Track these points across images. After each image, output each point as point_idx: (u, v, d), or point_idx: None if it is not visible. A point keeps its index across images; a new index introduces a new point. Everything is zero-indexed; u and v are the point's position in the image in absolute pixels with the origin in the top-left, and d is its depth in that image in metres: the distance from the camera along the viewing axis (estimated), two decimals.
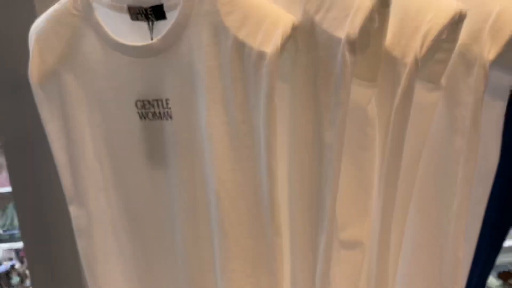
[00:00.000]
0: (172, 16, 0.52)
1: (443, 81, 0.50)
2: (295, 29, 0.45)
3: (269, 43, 0.44)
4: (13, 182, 0.92)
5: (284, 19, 0.45)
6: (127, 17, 0.55)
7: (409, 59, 0.45)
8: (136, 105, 0.56)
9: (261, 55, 0.44)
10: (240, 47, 0.46)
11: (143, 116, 0.56)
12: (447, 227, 0.53)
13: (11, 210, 2.60)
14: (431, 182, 0.53)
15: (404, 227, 0.52)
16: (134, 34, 0.55)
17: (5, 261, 2.50)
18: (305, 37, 0.45)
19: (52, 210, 0.94)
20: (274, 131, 0.46)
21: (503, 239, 0.92)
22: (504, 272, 1.66)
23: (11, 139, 0.91)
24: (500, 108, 0.56)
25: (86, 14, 0.54)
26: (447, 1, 0.46)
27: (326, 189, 0.47)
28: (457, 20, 0.46)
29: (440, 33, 0.44)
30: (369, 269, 0.53)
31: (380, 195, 0.51)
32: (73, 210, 0.62)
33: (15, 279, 2.49)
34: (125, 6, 0.54)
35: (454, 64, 0.49)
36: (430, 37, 0.44)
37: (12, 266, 2.53)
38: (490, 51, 0.48)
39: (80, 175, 0.60)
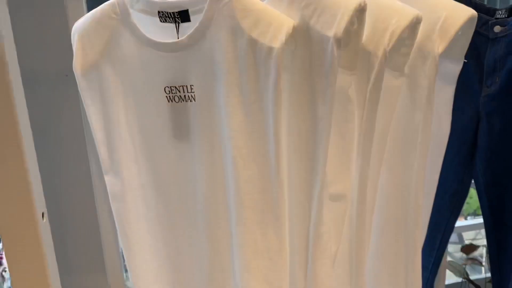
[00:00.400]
0: (196, 20, 0.64)
1: (406, 69, 0.64)
2: (295, 30, 0.58)
3: (276, 40, 0.57)
4: None
5: (287, 22, 0.58)
6: (156, 20, 0.67)
7: (380, 53, 0.59)
8: (164, 90, 0.68)
9: (270, 49, 0.58)
10: (253, 43, 0.59)
11: (170, 99, 0.68)
12: (410, 181, 0.68)
13: None
14: (397, 147, 0.68)
15: (377, 182, 0.67)
16: (162, 33, 0.67)
17: None
18: (302, 36, 0.59)
19: (65, 196, 1.03)
20: (280, 108, 0.59)
21: (461, 206, 1.09)
22: (466, 245, 1.82)
23: None
24: (450, 91, 0.71)
25: (123, 18, 0.66)
26: (408, 9, 0.60)
27: (319, 152, 0.61)
28: (415, 23, 0.60)
29: (403, 32, 0.59)
30: (351, 216, 0.68)
31: (358, 158, 0.65)
32: (108, 179, 0.73)
33: None
34: (155, 11, 0.66)
35: (414, 56, 0.64)
36: (395, 36, 0.58)
37: None
38: (439, 46, 0.63)
39: (115, 150, 0.72)
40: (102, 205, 0.95)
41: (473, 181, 1.02)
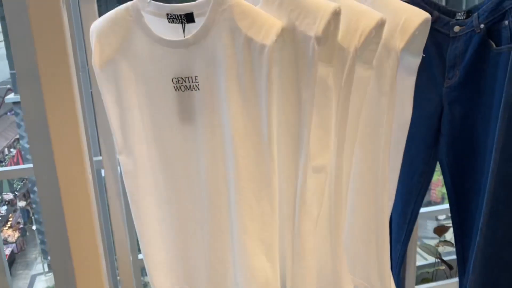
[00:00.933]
0: (199, 21, 0.75)
1: (374, 62, 0.77)
2: (283, 30, 0.70)
3: (268, 38, 0.69)
4: (34, 159, 1.11)
5: (276, 24, 0.70)
6: (165, 21, 0.78)
7: (352, 49, 0.71)
8: (172, 81, 0.79)
9: (263, 46, 0.69)
10: (249, 41, 0.70)
11: (177, 88, 0.80)
12: (378, 155, 0.80)
13: None
14: (367, 126, 0.80)
15: (352, 157, 0.80)
16: (170, 32, 0.78)
17: None
18: (289, 35, 0.71)
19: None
20: (272, 94, 0.71)
21: (427, 185, 1.21)
22: (438, 227, 1.97)
23: (32, 121, 1.10)
24: (411, 80, 0.84)
25: (136, 19, 0.77)
26: (374, 13, 0.72)
27: (303, 130, 0.73)
28: (380, 25, 0.72)
29: (370, 33, 0.71)
30: (330, 186, 0.81)
31: (335, 136, 0.77)
32: (122, 158, 0.84)
33: None
34: (164, 13, 0.77)
35: (380, 52, 0.76)
36: (364, 35, 0.70)
37: None
38: (400, 43, 0.76)
39: (128, 133, 0.82)
40: (111, 186, 1.05)
41: None
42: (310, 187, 0.77)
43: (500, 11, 0.94)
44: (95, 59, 0.79)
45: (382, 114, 0.80)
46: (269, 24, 0.70)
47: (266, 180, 0.76)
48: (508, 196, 0.91)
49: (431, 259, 2.15)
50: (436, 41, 1.03)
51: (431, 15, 1.02)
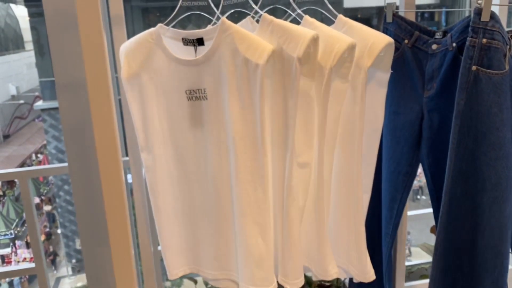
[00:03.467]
0: (208, 44, 0.92)
1: (349, 77, 0.93)
2: (273, 52, 0.86)
3: (261, 59, 0.85)
4: (70, 161, 1.24)
5: (268, 47, 0.85)
6: (180, 43, 0.96)
7: (328, 67, 0.88)
8: (185, 92, 0.96)
9: (257, 65, 0.85)
10: (246, 61, 0.87)
11: (190, 99, 0.97)
12: (353, 152, 0.96)
13: None
14: (345, 129, 0.95)
15: (333, 154, 0.96)
16: (184, 53, 0.96)
17: None
18: (278, 56, 0.87)
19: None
20: (264, 103, 0.87)
21: (411, 183, 1.34)
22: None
23: (69, 127, 1.25)
24: (383, 92, 1.00)
25: (157, 41, 0.96)
26: (346, 38, 0.88)
27: (289, 132, 0.89)
28: (351, 47, 0.88)
29: (343, 54, 0.87)
30: (314, 179, 0.97)
31: (318, 137, 0.93)
32: (143, 155, 1.02)
33: None
34: (180, 38, 0.95)
35: (353, 69, 0.92)
36: (337, 56, 0.86)
37: None
38: (367, 63, 0.92)
39: (149, 134, 1.00)
40: (136, 180, 1.22)
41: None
42: (296, 180, 0.93)
43: (468, 32, 1.09)
44: (123, 73, 0.98)
45: (356, 119, 0.95)
46: (262, 47, 0.86)
47: (260, 172, 0.92)
48: (463, 191, 1.04)
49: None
50: (417, 57, 1.17)
51: (412, 35, 1.19)
